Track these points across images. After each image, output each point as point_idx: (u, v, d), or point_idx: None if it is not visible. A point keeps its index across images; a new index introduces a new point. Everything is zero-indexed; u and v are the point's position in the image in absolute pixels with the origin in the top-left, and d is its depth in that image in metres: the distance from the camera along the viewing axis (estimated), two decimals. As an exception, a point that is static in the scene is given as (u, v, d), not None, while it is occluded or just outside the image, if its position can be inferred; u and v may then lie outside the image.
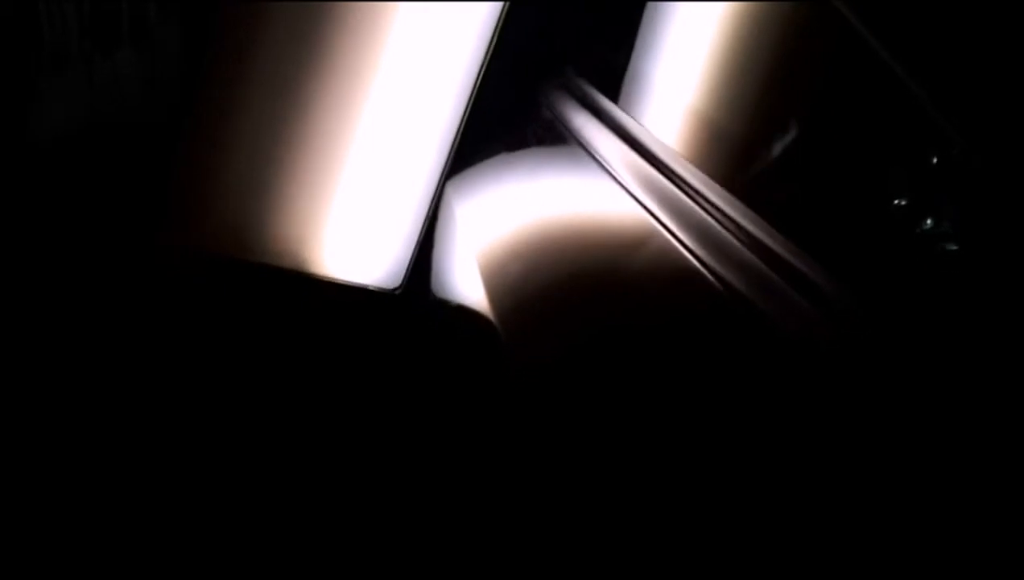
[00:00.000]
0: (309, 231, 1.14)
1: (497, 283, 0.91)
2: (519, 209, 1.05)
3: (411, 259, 1.15)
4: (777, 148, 0.80)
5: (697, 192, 0.81)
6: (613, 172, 0.95)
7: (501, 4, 1.03)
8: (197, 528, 1.12)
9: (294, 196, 1.11)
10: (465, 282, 0.98)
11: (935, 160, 0.60)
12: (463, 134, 1.12)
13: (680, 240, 0.78)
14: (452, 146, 1.13)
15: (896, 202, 0.63)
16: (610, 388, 0.71)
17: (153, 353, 1.14)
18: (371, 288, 1.16)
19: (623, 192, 0.91)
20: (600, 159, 0.99)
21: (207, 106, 1.06)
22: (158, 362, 1.14)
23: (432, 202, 1.14)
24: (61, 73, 2.85)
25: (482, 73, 1.11)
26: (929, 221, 0.60)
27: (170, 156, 1.10)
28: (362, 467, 1.15)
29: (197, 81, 1.07)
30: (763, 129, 0.83)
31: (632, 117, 0.99)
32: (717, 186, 0.81)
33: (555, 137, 1.08)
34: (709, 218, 0.78)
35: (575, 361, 0.77)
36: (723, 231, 0.76)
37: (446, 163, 1.13)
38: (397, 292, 1.16)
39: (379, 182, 1.13)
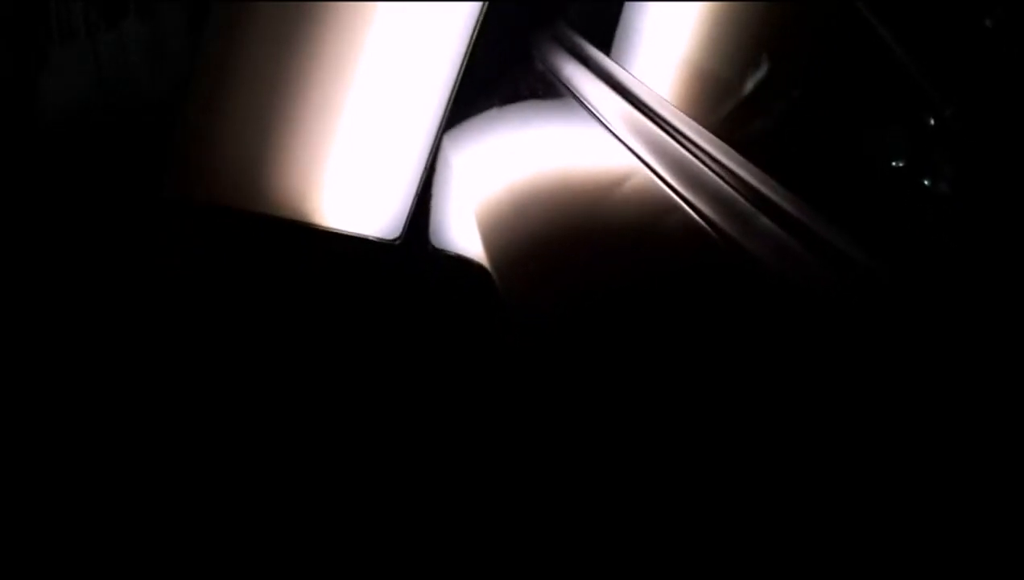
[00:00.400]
0: (311, 183, 1.18)
1: (492, 232, 0.94)
2: (513, 159, 1.08)
3: (410, 210, 1.19)
4: (768, 97, 0.82)
5: (687, 138, 0.84)
6: (604, 120, 0.98)
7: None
8: (195, 473, 1.16)
9: (296, 149, 1.15)
10: (462, 231, 1.01)
11: (932, 121, 0.61)
12: (459, 88, 1.15)
13: (671, 185, 0.80)
14: (448, 100, 1.16)
15: (894, 163, 0.63)
16: (605, 332, 0.72)
17: (159, 299, 1.18)
18: (371, 238, 1.19)
19: (614, 140, 0.94)
20: (591, 108, 1.02)
21: (210, 62, 1.09)
22: (163, 308, 1.18)
23: (430, 154, 1.17)
24: (68, 44, 2.89)
25: (477, 28, 1.14)
26: (926, 181, 0.60)
27: (175, 112, 1.14)
28: (359, 413, 1.19)
29: (202, 37, 1.11)
30: (752, 76, 0.85)
31: (622, 66, 1.02)
32: (707, 132, 0.82)
33: (547, 88, 1.11)
34: (699, 163, 0.80)
35: (570, 307, 0.79)
36: (714, 176, 0.77)
37: (443, 116, 1.17)
38: (397, 242, 1.19)
39: (378, 135, 1.17)
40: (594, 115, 1.00)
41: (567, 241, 0.88)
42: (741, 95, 0.86)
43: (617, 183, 0.90)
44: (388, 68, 1.13)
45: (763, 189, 0.70)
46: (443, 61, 1.13)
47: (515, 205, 0.97)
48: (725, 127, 0.85)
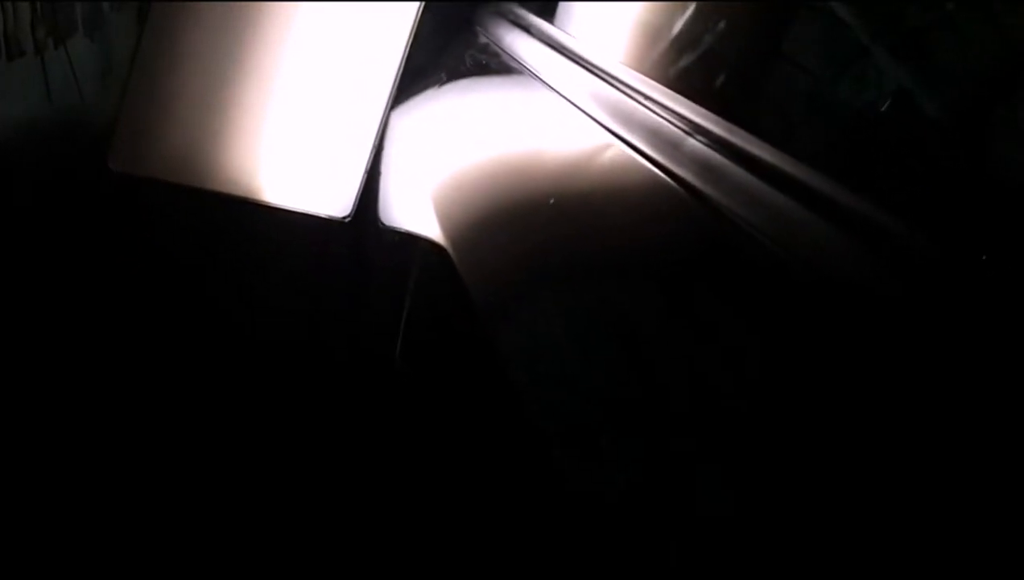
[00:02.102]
0: (260, 161, 1.19)
1: (444, 204, 0.95)
2: (461, 131, 1.09)
3: (359, 188, 1.20)
4: (717, 44, 0.83)
5: (626, 84, 0.85)
6: (548, 82, 1.00)
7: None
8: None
9: (243, 127, 1.15)
10: (412, 207, 1.02)
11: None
12: (405, 64, 1.17)
13: (628, 142, 0.80)
14: (396, 77, 1.18)
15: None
16: (564, 298, 0.71)
17: (114, 269, 1.18)
18: (321, 216, 1.20)
19: (558, 98, 0.95)
20: (533, 71, 1.04)
21: (155, 39, 1.10)
22: (117, 277, 1.18)
23: (378, 132, 1.18)
24: (16, 62, 2.87)
25: (421, 6, 1.16)
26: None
27: (122, 88, 1.14)
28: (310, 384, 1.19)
29: (145, 14, 1.12)
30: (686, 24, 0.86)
31: (561, 29, 1.04)
32: (641, 75, 0.84)
33: (491, 58, 1.13)
34: (637, 104, 0.81)
35: (527, 273, 0.79)
36: (650, 113, 0.78)
37: (390, 93, 1.18)
38: (347, 220, 1.20)
39: (326, 114, 1.18)
40: (537, 77, 1.02)
41: (520, 205, 0.88)
42: (674, 41, 0.87)
43: (566, 141, 0.92)
44: (335, 46, 1.14)
45: (729, 136, 0.68)
46: (389, 38, 1.15)
47: (465, 176, 0.98)
48: (658, 69, 0.86)
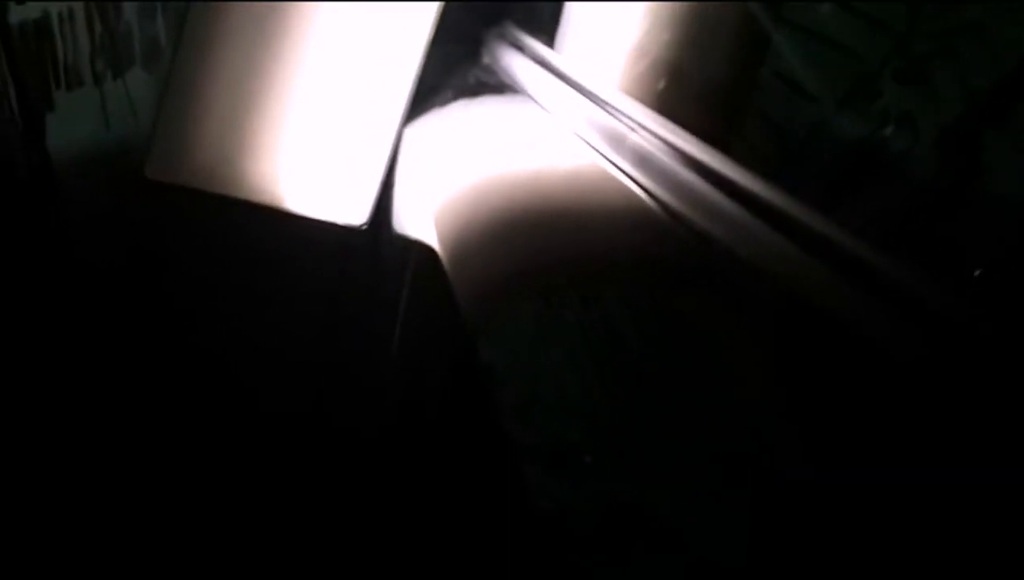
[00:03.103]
0: (284, 173, 1.29)
1: (443, 215, 1.03)
2: (462, 147, 1.19)
3: (375, 199, 1.30)
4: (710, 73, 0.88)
5: (618, 110, 0.92)
6: (543, 106, 1.09)
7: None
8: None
9: (269, 140, 1.26)
10: (418, 217, 1.12)
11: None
12: (418, 84, 1.27)
13: (618, 166, 0.85)
14: (409, 95, 1.28)
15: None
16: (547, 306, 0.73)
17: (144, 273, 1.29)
18: (339, 224, 1.31)
19: (555, 124, 1.05)
20: (528, 92, 1.14)
21: (187, 59, 1.21)
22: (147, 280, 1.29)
23: (393, 147, 1.28)
24: (75, 91, 3.02)
25: (432, 32, 1.27)
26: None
27: (158, 103, 1.26)
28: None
29: (180, 35, 1.23)
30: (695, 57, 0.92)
31: (560, 55, 1.14)
32: (639, 105, 0.90)
33: (493, 79, 1.23)
34: (629, 131, 0.87)
35: (513, 283, 0.82)
36: (646, 144, 0.82)
37: (405, 111, 1.28)
38: (363, 228, 1.30)
39: (345, 129, 1.28)
40: (534, 100, 1.11)
41: (511, 219, 0.93)
42: (664, 67, 0.94)
43: (553, 157, 1.00)
44: (353, 69, 1.25)
45: (702, 157, 0.71)
46: (404, 59, 1.25)
47: (461, 189, 1.06)
48: (646, 94, 0.93)
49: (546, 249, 0.83)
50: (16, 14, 2.70)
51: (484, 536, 0.64)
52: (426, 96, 1.24)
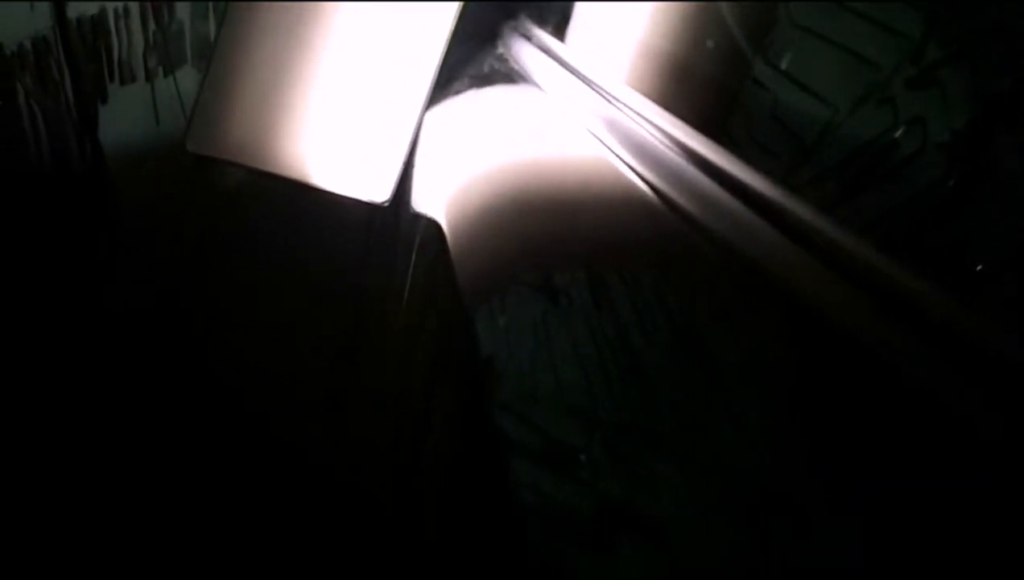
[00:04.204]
0: (315, 150, 1.41)
1: (452, 196, 1.12)
2: (473, 131, 1.30)
3: (397, 179, 1.41)
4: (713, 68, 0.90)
5: (620, 101, 0.98)
6: (553, 95, 1.20)
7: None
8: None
9: (301, 121, 1.38)
10: (432, 196, 1.21)
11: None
12: (439, 72, 1.38)
13: (623, 158, 0.88)
14: (431, 83, 1.39)
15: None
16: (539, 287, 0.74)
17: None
18: (363, 200, 1.42)
19: (564, 113, 1.15)
20: (541, 84, 1.24)
21: (227, 42, 1.33)
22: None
23: (415, 129, 1.39)
24: (128, 87, 3.16)
25: (453, 27, 1.38)
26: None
27: (200, 82, 1.38)
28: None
29: (220, 22, 1.35)
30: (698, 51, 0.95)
31: (568, 47, 1.24)
32: (643, 98, 0.94)
33: (506, 68, 1.34)
34: (631, 121, 0.91)
35: (508, 264, 0.86)
36: (645, 133, 0.86)
37: (427, 97, 1.39)
38: (384, 205, 1.41)
39: (372, 114, 1.40)
40: (542, 88, 1.21)
41: (505, 200, 0.99)
42: (672, 63, 0.99)
43: (563, 149, 1.07)
44: (379, 55, 1.36)
45: (694, 144, 0.73)
46: (427, 52, 1.36)
47: (470, 173, 1.16)
48: (656, 94, 0.97)
49: (550, 238, 0.85)
50: (75, 9, 2.84)
51: (468, 520, 0.63)
52: (446, 83, 1.34)
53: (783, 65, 0.76)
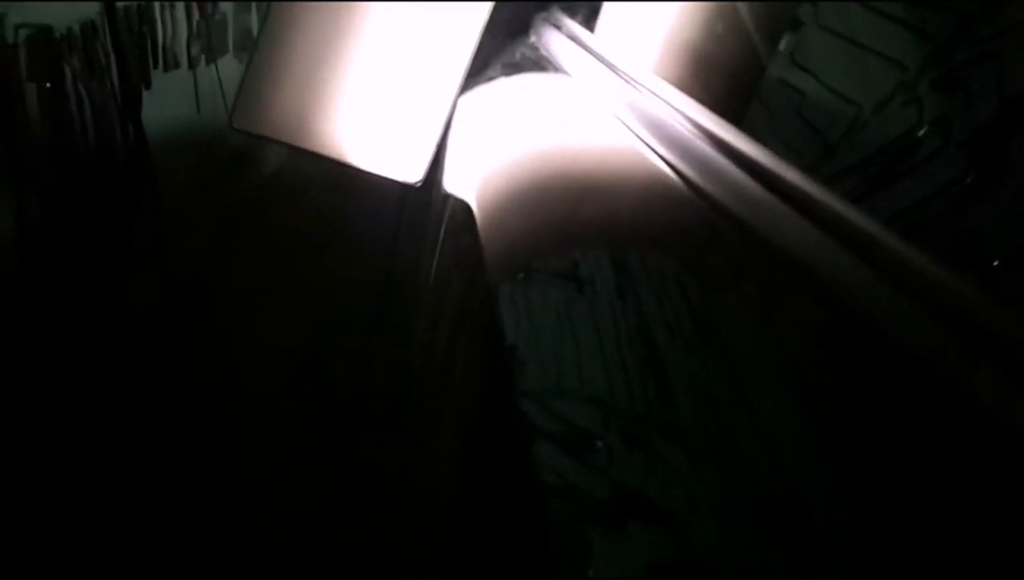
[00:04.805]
0: (352, 131, 1.48)
1: (482, 179, 1.18)
2: (506, 120, 1.37)
3: (430, 160, 1.48)
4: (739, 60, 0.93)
5: (658, 95, 0.99)
6: (581, 83, 1.26)
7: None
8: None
9: (341, 103, 1.45)
10: (461, 181, 1.27)
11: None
12: (473, 60, 1.45)
13: (647, 142, 0.90)
14: (465, 68, 1.46)
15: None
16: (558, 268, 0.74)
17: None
18: (397, 180, 1.49)
19: (587, 95, 1.21)
20: (569, 72, 1.31)
21: (273, 26, 1.41)
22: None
23: (449, 113, 1.47)
24: (170, 72, 3.24)
25: (487, 18, 1.45)
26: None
27: (247, 63, 1.45)
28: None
29: (266, 8, 1.43)
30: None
31: (597, 37, 1.31)
32: (676, 90, 0.95)
33: (537, 56, 1.41)
34: (657, 108, 0.92)
35: (531, 243, 0.87)
36: (684, 131, 0.84)
37: (460, 81, 1.47)
38: (417, 185, 1.49)
39: (408, 98, 1.47)
40: (570, 75, 1.28)
41: (543, 189, 1.01)
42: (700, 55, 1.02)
43: (588, 133, 1.11)
44: (418, 45, 1.44)
45: (723, 134, 0.72)
46: (461, 41, 1.44)
47: (500, 157, 1.21)
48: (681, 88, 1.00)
49: (576, 222, 0.86)
50: (123, -4, 2.93)
51: (487, 496, 0.63)
52: (479, 71, 1.41)
53: (808, 65, 0.78)
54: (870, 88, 0.64)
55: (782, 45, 0.85)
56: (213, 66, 3.72)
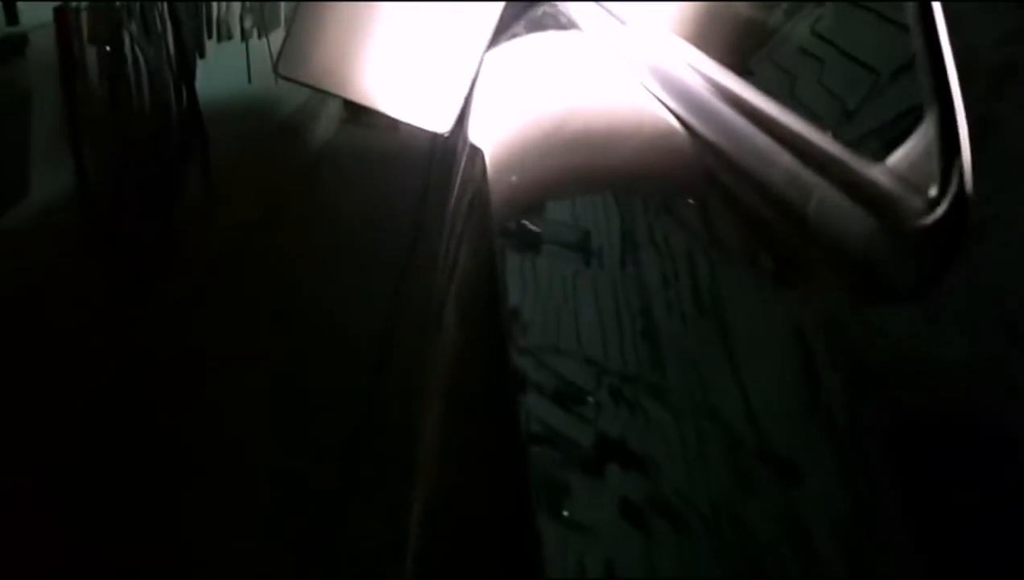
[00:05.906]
0: (388, 83, 1.62)
1: (499, 129, 1.20)
2: (527, 76, 1.48)
3: (458, 112, 1.61)
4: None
5: (673, 52, 1.00)
6: (599, 41, 1.37)
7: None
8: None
9: (378, 55, 1.59)
10: (483, 132, 1.33)
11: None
12: (499, 19, 1.58)
13: (662, 100, 0.90)
14: (492, 29, 1.59)
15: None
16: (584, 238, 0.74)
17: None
18: (428, 129, 1.62)
19: (603, 54, 1.29)
20: (588, 30, 1.42)
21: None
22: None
23: (477, 68, 1.59)
24: (223, 43, 3.38)
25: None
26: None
27: (292, 16, 1.59)
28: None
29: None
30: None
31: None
32: (691, 46, 0.96)
33: (557, 14, 1.53)
34: (681, 73, 0.92)
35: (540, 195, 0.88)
36: (692, 82, 0.85)
37: (488, 38, 1.59)
38: (445, 136, 1.62)
39: (440, 54, 1.60)
40: (589, 34, 1.39)
41: (553, 138, 1.01)
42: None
43: (604, 89, 1.15)
44: (450, 4, 1.56)
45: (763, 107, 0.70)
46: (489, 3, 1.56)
47: (517, 109, 1.26)
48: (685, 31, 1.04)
49: (589, 175, 0.87)
50: (178, -34, 3.07)
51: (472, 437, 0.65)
52: (504, 28, 1.53)
53: (829, 36, 0.77)
54: (888, 55, 0.63)
55: (803, 16, 0.84)
56: (265, 39, 3.85)
